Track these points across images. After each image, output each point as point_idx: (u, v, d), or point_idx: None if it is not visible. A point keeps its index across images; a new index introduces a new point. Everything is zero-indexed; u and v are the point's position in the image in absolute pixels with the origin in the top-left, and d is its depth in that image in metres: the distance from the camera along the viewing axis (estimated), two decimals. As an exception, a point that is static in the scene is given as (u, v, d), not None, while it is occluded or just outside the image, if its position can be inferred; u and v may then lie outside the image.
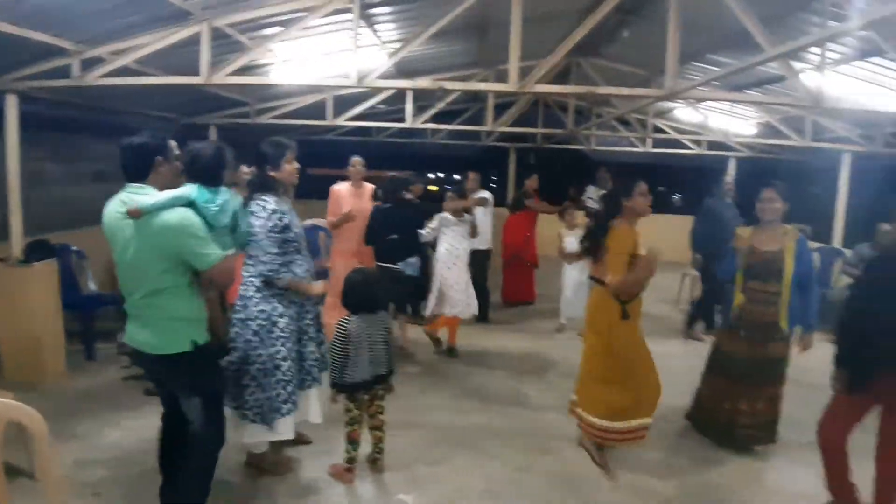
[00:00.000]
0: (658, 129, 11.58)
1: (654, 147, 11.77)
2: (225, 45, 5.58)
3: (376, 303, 3.71)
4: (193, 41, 5.09)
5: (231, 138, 9.74)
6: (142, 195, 2.79)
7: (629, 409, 3.95)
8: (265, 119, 9.21)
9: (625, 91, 5.40)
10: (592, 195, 9.41)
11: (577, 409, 4.18)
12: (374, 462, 3.89)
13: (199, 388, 3.00)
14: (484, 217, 7.28)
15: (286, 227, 3.50)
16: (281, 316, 3.49)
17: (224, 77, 5.18)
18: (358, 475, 3.79)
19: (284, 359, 3.48)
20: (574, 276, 7.12)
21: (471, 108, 12.20)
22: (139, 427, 4.23)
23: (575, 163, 14.41)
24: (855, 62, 6.52)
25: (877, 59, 6.19)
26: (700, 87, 5.46)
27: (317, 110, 9.23)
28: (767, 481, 4.06)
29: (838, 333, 3.34)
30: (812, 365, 4.28)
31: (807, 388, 4.50)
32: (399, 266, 5.85)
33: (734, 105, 9.45)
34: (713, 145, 11.39)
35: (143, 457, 3.72)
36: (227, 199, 3.02)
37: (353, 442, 3.73)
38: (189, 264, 2.83)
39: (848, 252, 7.77)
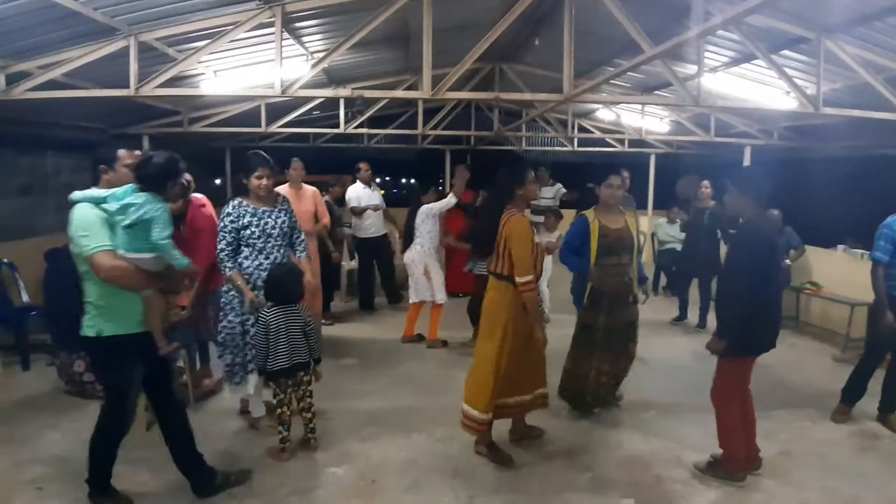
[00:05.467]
0: (584, 130, 12.24)
1: (579, 146, 12.41)
2: (154, 57, 5.81)
3: (293, 295, 4.06)
4: (122, 54, 5.34)
5: (164, 148, 9.96)
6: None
7: (524, 385, 4.21)
8: (198, 128, 9.38)
9: (528, 96, 5.88)
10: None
11: (466, 407, 4.14)
12: (308, 442, 4.23)
13: (102, 377, 3.52)
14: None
15: (243, 227, 4.18)
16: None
17: (152, 89, 5.42)
18: (294, 455, 4.12)
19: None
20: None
21: (406, 113, 12.58)
22: (80, 428, 4.31)
23: (509, 163, 14.94)
24: (744, 65, 7.20)
25: (759, 62, 6.85)
26: (603, 90, 5.99)
27: (251, 118, 9.47)
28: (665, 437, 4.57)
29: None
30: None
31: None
32: None
33: (646, 105, 10.11)
34: (634, 143, 12.09)
35: (85, 453, 3.90)
36: (133, 202, 3.12)
37: (282, 423, 4.07)
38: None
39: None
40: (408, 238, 6.75)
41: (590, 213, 4.69)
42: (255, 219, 4.23)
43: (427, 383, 5.65)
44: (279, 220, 4.34)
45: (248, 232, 4.21)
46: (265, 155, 4.35)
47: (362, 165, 8.09)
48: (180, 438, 3.61)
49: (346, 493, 3.74)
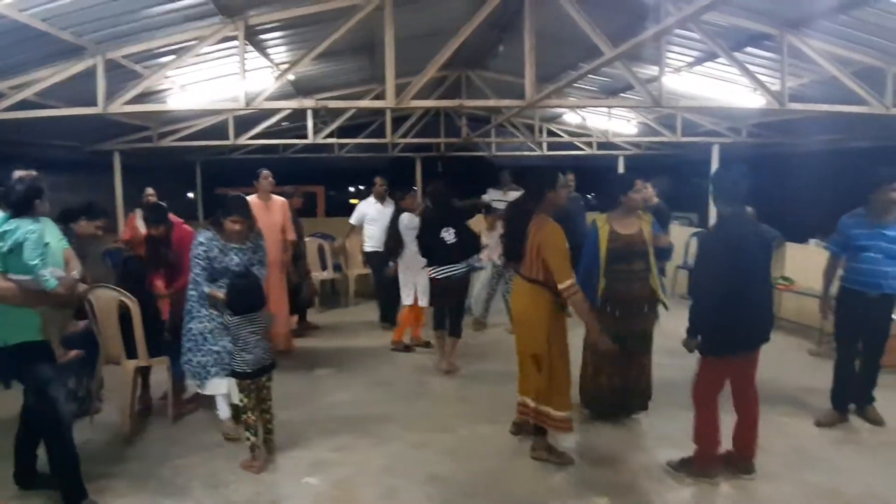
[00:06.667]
0: (553, 134, 12.37)
1: (549, 150, 12.53)
2: (122, 74, 5.81)
3: (255, 304, 4.17)
4: (91, 72, 5.36)
5: (135, 163, 9.93)
6: None
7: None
8: (168, 142, 9.37)
9: (491, 102, 5.93)
10: (495, 197, 9.84)
11: (544, 408, 4.10)
12: (266, 442, 4.25)
13: (22, 381, 3.58)
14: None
15: (210, 258, 4.42)
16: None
17: (120, 106, 5.46)
18: (267, 467, 4.11)
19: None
20: (484, 274, 7.59)
21: (376, 122, 12.57)
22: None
23: (479, 168, 15.03)
24: (708, 63, 7.31)
25: (723, 60, 6.96)
26: (568, 94, 6.06)
27: (220, 130, 9.43)
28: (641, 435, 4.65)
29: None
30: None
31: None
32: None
33: (611, 108, 10.24)
34: (602, 145, 12.23)
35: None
36: (7, 229, 3.27)
37: (248, 428, 4.12)
38: None
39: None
40: (394, 243, 6.61)
41: (601, 219, 4.64)
42: (222, 254, 4.48)
43: (400, 390, 5.65)
44: (244, 258, 4.56)
45: (212, 264, 4.48)
46: (245, 201, 4.56)
47: (377, 180, 7.85)
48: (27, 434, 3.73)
49: (321, 502, 3.74)
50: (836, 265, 4.90)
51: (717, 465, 3.94)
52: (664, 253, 4.94)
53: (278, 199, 6.51)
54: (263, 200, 6.29)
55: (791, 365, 6.22)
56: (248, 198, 6.27)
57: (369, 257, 7.95)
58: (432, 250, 5.91)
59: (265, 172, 6.31)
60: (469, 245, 5.96)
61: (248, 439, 4.11)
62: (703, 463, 3.93)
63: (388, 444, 4.50)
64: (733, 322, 3.70)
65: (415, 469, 4.11)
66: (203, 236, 4.47)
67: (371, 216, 7.73)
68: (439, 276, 5.91)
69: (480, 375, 5.95)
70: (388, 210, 7.58)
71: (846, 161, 9.66)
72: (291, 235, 6.64)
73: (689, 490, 3.84)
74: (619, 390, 4.71)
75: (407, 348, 6.79)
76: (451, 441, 4.54)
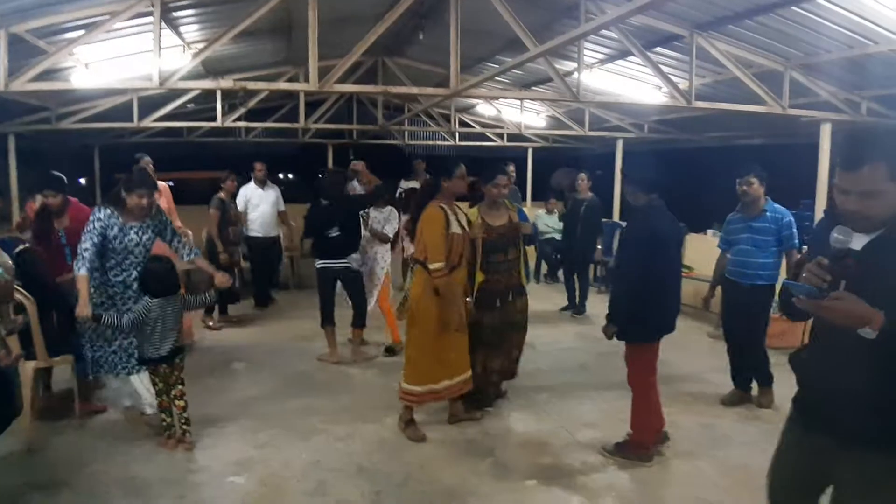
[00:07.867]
0: (465, 124, 12.46)
1: (461, 140, 12.63)
2: (23, 49, 5.35)
3: (173, 287, 4.16)
4: None
5: (32, 147, 9.17)
6: None
7: (446, 371, 4.34)
8: (67, 124, 8.76)
9: (415, 90, 5.92)
10: (409, 187, 9.81)
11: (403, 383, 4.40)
12: (183, 435, 4.19)
13: None
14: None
15: (110, 237, 4.17)
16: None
17: (23, 84, 5.05)
18: (190, 468, 3.95)
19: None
20: None
21: (285, 106, 12.20)
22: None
23: (392, 158, 14.95)
24: (618, 61, 7.59)
25: (633, 59, 7.24)
26: (484, 85, 6.11)
27: (123, 112, 8.86)
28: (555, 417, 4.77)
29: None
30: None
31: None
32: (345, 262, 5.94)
33: (524, 101, 10.45)
34: (513, 137, 12.47)
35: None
36: None
37: (163, 410, 4.19)
38: None
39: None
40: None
41: (473, 212, 4.72)
42: (121, 234, 4.26)
43: (320, 382, 5.55)
44: (143, 237, 4.36)
45: (110, 245, 4.24)
46: (149, 174, 4.43)
47: (257, 165, 8.05)
48: None
49: (250, 501, 3.62)
50: (724, 261, 5.24)
51: (652, 448, 4.09)
52: (528, 238, 5.23)
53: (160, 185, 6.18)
54: None
55: (693, 347, 6.60)
56: None
57: (252, 242, 8.02)
58: (318, 243, 5.95)
59: (146, 159, 6.11)
60: (351, 243, 5.98)
61: (164, 421, 4.20)
62: (641, 447, 4.06)
63: (312, 437, 4.42)
64: (661, 307, 3.89)
65: (343, 462, 4.06)
66: (102, 213, 4.20)
67: (254, 202, 7.90)
68: (318, 266, 5.97)
69: (401, 364, 5.91)
70: (269, 194, 7.99)
71: (740, 156, 10.34)
72: (177, 222, 6.33)
73: (612, 469, 4.00)
74: (499, 380, 4.93)
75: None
76: (378, 431, 4.52)
